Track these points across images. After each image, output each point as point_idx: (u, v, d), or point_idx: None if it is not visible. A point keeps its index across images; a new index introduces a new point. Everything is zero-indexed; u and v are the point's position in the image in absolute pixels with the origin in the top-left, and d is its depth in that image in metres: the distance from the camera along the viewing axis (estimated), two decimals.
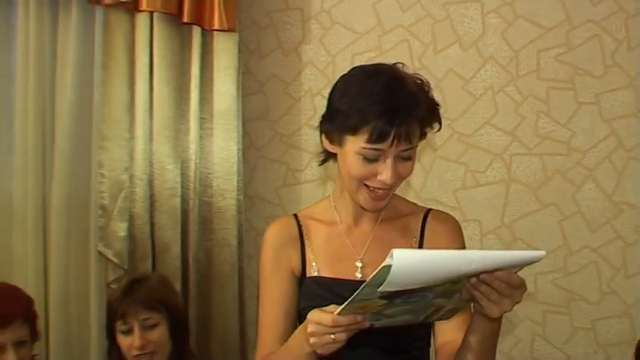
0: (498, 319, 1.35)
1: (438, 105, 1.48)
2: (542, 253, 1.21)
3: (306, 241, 1.60)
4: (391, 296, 1.21)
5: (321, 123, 1.54)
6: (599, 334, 2.56)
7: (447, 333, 1.55)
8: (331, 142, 1.52)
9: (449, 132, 2.60)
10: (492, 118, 2.61)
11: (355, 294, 1.20)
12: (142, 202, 2.49)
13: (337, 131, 1.47)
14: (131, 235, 2.49)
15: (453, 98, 2.60)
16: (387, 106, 1.39)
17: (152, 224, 2.52)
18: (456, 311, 1.39)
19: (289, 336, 1.51)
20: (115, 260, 2.46)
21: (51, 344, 2.50)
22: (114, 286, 2.47)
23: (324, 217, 1.62)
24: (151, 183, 2.51)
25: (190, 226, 2.55)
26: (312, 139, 2.71)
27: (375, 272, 1.14)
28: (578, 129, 2.57)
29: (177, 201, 2.53)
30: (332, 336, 1.28)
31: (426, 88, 1.48)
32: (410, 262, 1.13)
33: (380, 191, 1.47)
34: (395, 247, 1.55)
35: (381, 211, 1.59)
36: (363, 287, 1.18)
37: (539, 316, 2.60)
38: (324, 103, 2.68)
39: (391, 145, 1.40)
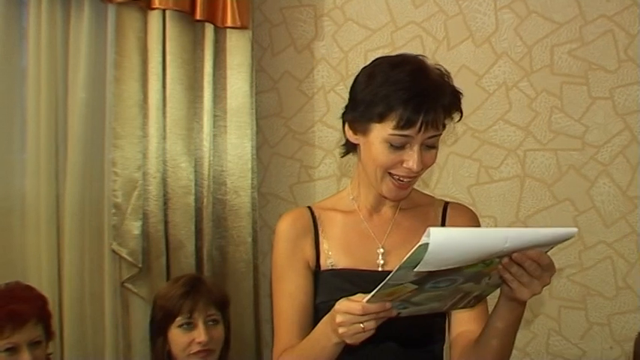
0: (523, 305, 1.36)
1: (461, 94, 1.50)
2: (574, 229, 1.23)
3: (320, 232, 1.58)
4: (422, 280, 1.22)
5: (344, 114, 1.55)
6: (615, 329, 2.56)
7: (463, 323, 1.55)
8: (355, 132, 1.52)
9: (463, 128, 2.60)
10: (506, 113, 2.61)
11: (388, 277, 1.20)
12: (156, 200, 2.48)
13: (363, 120, 1.47)
14: (145, 234, 2.48)
15: (466, 94, 2.52)
16: (414, 92, 1.41)
17: (166, 222, 2.51)
18: (482, 298, 1.39)
19: (307, 330, 1.52)
20: (129, 259, 2.45)
21: (65, 343, 2.48)
22: (128, 285, 2.48)
23: (342, 207, 1.61)
24: (164, 181, 2.50)
25: (204, 223, 2.54)
26: (325, 135, 2.71)
27: (410, 252, 1.14)
28: (593, 124, 2.57)
29: (191, 199, 2.52)
30: (361, 325, 1.28)
31: (447, 78, 1.49)
32: (447, 239, 1.14)
33: (405, 179, 1.48)
34: (416, 234, 1.57)
35: (401, 200, 1.59)
36: (398, 269, 1.17)
37: (555, 312, 2.60)
38: (338, 99, 2.71)
39: (418, 131, 1.41)
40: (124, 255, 2.46)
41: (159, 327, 2.03)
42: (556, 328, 2.59)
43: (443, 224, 1.61)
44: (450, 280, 1.24)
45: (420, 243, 1.13)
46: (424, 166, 1.47)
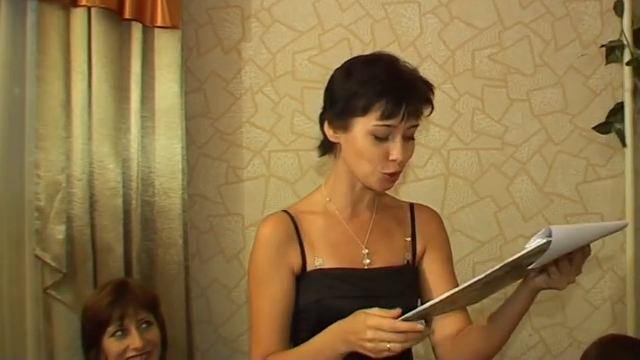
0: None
1: (433, 86, 1.58)
2: (626, 222, 1.42)
3: (302, 236, 1.59)
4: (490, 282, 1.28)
5: (322, 113, 1.58)
6: (533, 317, 2.69)
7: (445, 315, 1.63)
8: (335, 129, 1.54)
9: None
10: (430, 114, 2.69)
11: (488, 272, 1.25)
12: (81, 203, 2.41)
13: (345, 115, 1.51)
14: (70, 238, 2.39)
15: None
16: (394, 83, 1.47)
17: (93, 225, 2.44)
18: (493, 292, 1.47)
19: (287, 335, 1.55)
20: (53, 264, 2.36)
21: None
22: (51, 292, 2.39)
23: (318, 209, 1.63)
24: (90, 183, 2.43)
25: (133, 226, 2.49)
26: (253, 136, 2.72)
27: (525, 251, 1.20)
28: (511, 124, 2.69)
29: (119, 201, 2.46)
30: (388, 345, 1.31)
31: (417, 72, 1.57)
32: (564, 237, 1.20)
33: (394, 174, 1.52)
34: (393, 235, 1.61)
35: (374, 201, 1.63)
36: (498, 268, 1.23)
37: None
38: (266, 100, 2.72)
39: (401, 120, 1.47)
40: (48, 260, 2.37)
41: (91, 339, 1.99)
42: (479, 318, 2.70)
43: (413, 224, 1.68)
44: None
45: (539, 242, 1.18)
46: (407, 157, 1.52)
